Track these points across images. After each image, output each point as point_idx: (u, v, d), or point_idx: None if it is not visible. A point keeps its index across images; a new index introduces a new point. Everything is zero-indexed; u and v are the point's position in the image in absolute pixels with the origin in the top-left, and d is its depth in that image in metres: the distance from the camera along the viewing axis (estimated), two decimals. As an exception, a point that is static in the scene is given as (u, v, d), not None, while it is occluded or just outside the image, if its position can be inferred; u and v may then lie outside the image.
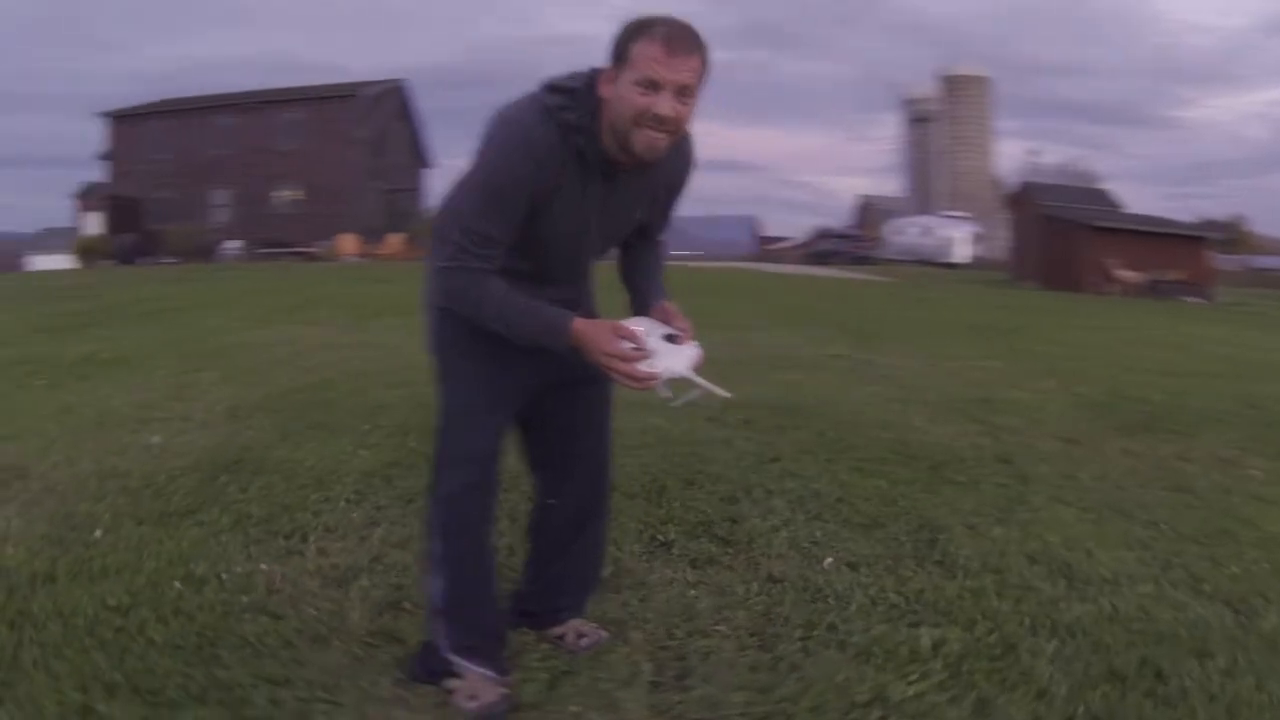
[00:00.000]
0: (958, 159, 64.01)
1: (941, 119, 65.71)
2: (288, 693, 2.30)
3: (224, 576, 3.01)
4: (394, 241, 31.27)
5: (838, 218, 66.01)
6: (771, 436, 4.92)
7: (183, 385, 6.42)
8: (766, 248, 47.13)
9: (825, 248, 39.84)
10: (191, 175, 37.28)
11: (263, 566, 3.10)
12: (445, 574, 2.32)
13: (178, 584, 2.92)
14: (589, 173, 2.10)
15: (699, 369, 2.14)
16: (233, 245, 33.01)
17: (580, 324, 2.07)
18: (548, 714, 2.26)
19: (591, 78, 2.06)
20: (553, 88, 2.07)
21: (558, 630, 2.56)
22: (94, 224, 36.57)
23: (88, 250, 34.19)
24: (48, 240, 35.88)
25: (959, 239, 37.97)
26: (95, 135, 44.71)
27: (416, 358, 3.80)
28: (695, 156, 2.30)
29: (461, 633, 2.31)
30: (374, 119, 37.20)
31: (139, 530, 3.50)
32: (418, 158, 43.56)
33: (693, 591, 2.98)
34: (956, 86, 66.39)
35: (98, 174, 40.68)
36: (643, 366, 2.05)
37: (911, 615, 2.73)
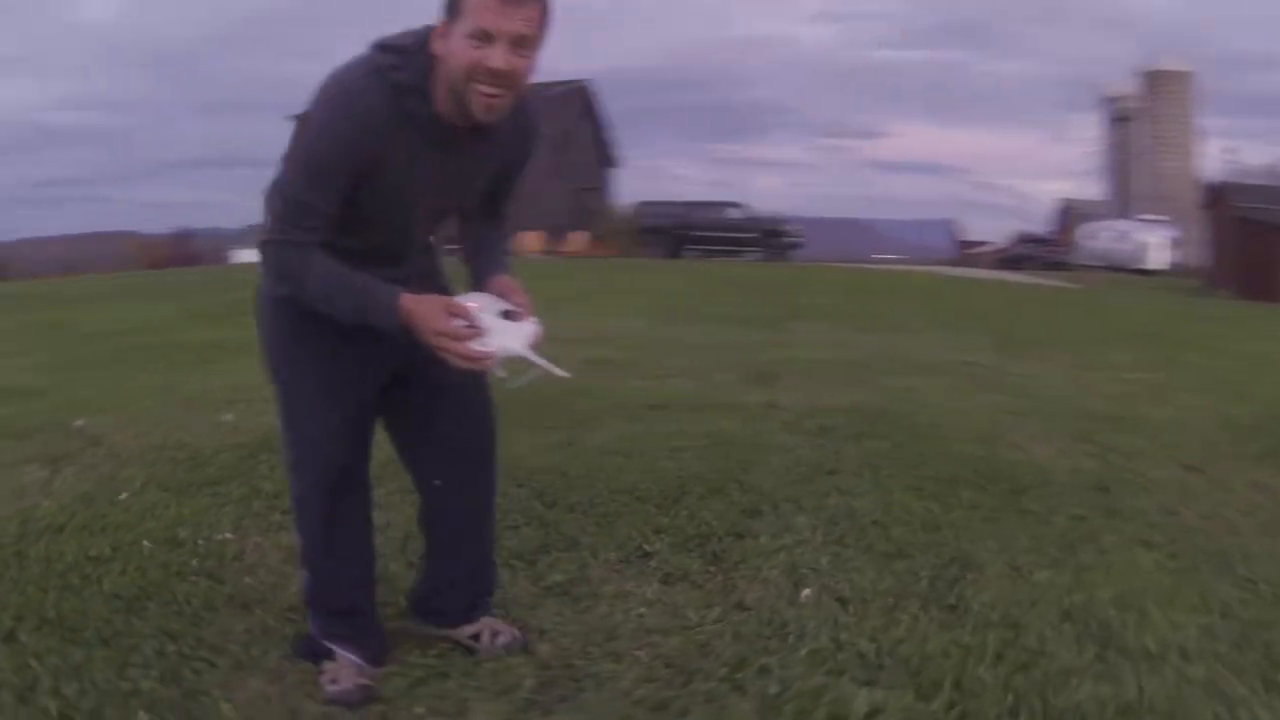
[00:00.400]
0: (1159, 160, 58.64)
1: (1142, 118, 60.42)
2: (175, 647, 2.33)
3: (200, 542, 3.06)
4: (578, 239, 31.39)
5: (1039, 222, 62.28)
6: (843, 446, 4.33)
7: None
8: (966, 252, 45.13)
9: (1018, 252, 37.63)
10: None
11: (227, 535, 3.13)
12: (307, 568, 2.26)
13: (147, 543, 3.02)
14: (423, 138, 1.89)
15: (538, 347, 1.94)
16: None
17: (409, 300, 1.87)
18: (395, 710, 2.11)
19: (425, 34, 1.85)
20: (384, 46, 1.86)
21: (471, 629, 2.35)
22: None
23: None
24: (251, 236, 38.01)
25: (1154, 244, 34.83)
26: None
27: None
28: (538, 123, 2.12)
29: (328, 622, 2.23)
30: (556, 119, 37.32)
31: (159, 496, 3.66)
32: (603, 157, 43.59)
33: (642, 610, 2.57)
34: (1158, 83, 60.82)
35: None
36: (476, 345, 1.87)
37: (867, 670, 2.16)
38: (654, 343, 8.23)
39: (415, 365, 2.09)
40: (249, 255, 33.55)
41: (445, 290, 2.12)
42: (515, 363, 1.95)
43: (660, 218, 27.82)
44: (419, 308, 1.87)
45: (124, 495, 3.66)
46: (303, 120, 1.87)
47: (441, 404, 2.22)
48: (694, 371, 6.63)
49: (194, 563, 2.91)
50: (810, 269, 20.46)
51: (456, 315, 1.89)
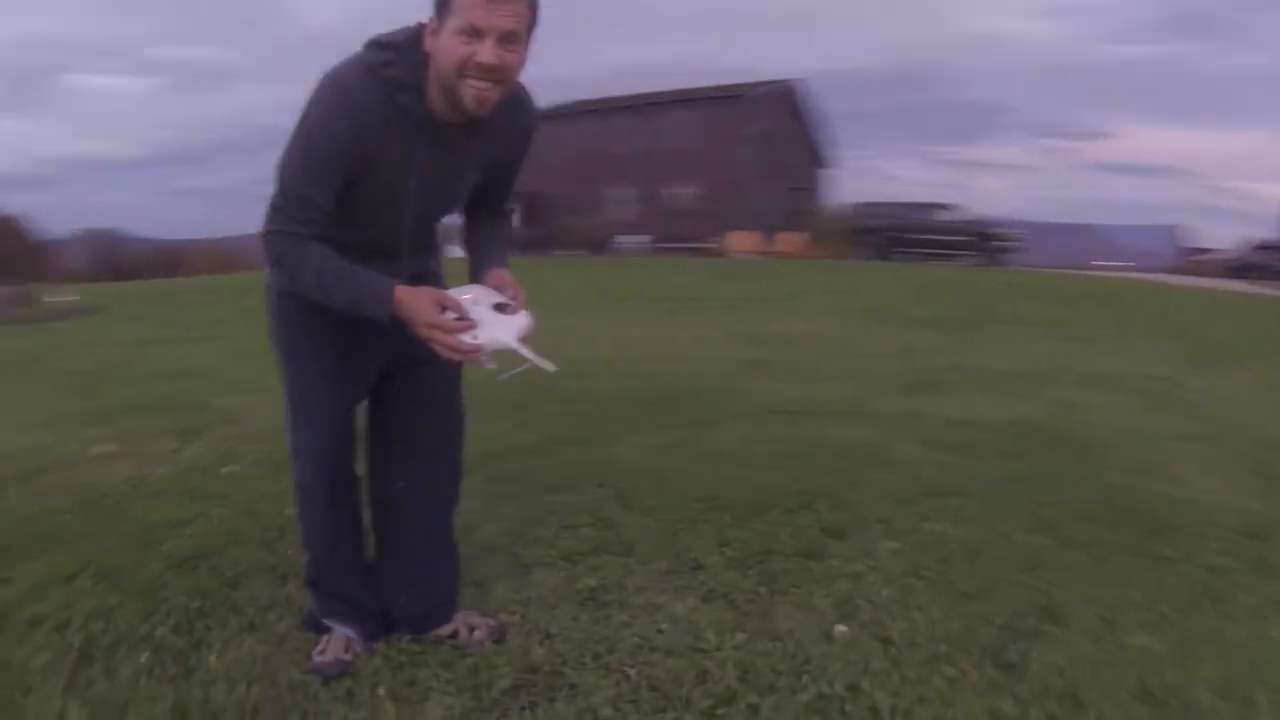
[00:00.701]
0: None
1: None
2: (199, 604, 2.49)
3: (269, 516, 3.18)
4: (790, 239, 30.69)
5: (1269, 227, 55.95)
6: (975, 464, 3.90)
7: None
8: (1193, 259, 41.16)
9: (1250, 260, 33.84)
10: (592, 172, 38.49)
11: (288, 512, 2.97)
12: (309, 551, 2.28)
13: (218, 511, 3.24)
14: (416, 133, 1.88)
15: (529, 340, 1.90)
16: (629, 240, 33.94)
17: (402, 292, 1.85)
18: (360, 687, 2.10)
19: (417, 32, 1.84)
20: (377, 44, 1.85)
21: (448, 629, 2.33)
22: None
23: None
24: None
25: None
26: None
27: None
28: (534, 118, 2.08)
29: (327, 600, 2.28)
30: (763, 119, 36.80)
31: (260, 471, 3.80)
32: (814, 157, 42.56)
33: (663, 626, 2.37)
34: None
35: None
36: (467, 338, 1.83)
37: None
38: (829, 345, 7.87)
39: (400, 365, 2.14)
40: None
41: (441, 287, 2.06)
42: (505, 355, 1.89)
43: (874, 218, 26.78)
44: (411, 300, 1.84)
45: (229, 468, 3.84)
46: (301, 115, 1.84)
47: (415, 405, 2.23)
48: (854, 376, 6.26)
49: (255, 534, 3.02)
50: (1020, 274, 19.07)
51: (448, 308, 1.86)
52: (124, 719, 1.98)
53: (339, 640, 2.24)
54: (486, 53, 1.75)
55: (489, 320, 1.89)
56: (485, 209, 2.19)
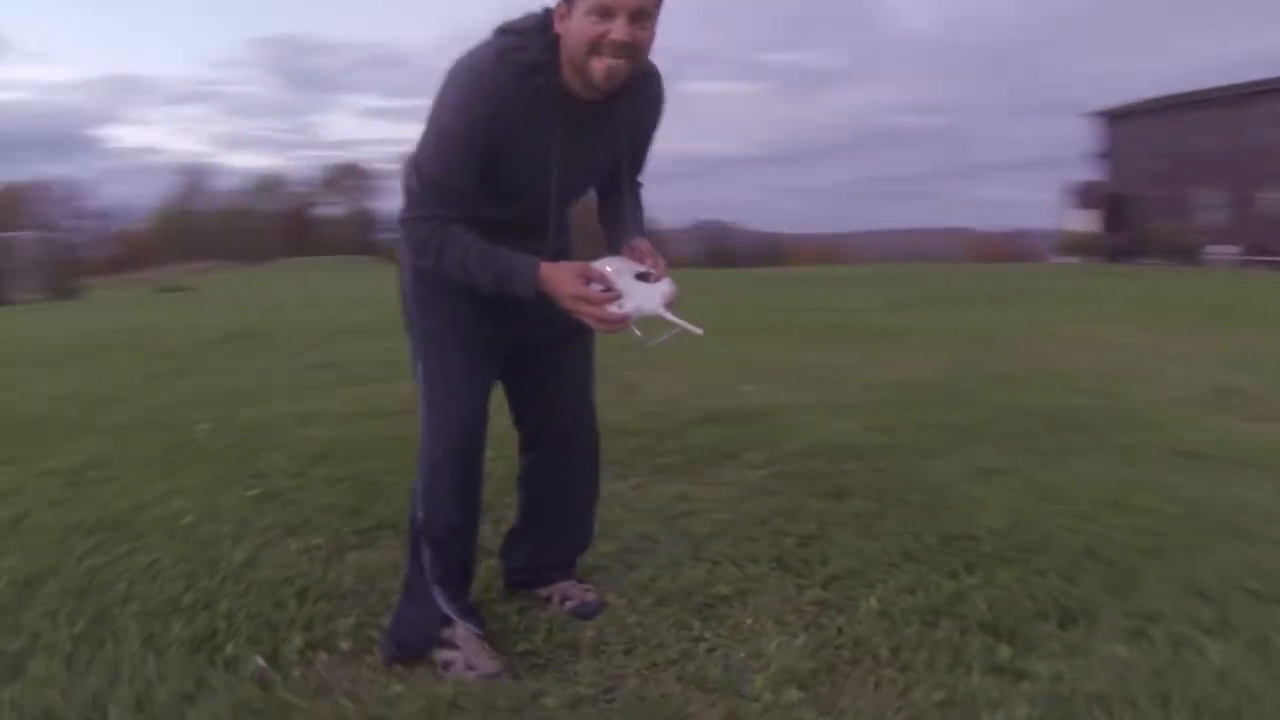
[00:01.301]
0: None
1: None
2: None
3: None
4: None
5: None
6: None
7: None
8: None
9: None
10: (1178, 173, 32.33)
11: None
12: (430, 543, 2.11)
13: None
14: (551, 113, 1.86)
15: (673, 306, 1.86)
16: (1221, 250, 28.40)
17: (546, 268, 1.84)
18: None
19: (544, 16, 1.85)
20: (505, 30, 1.85)
21: (544, 591, 2.35)
22: (1084, 221, 34.91)
23: (1077, 246, 33.37)
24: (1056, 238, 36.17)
25: None
26: (1080, 136, 43.32)
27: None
28: (663, 93, 2.04)
29: (452, 598, 2.12)
30: None
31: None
32: None
33: (683, 645, 2.12)
34: None
35: (1086, 173, 37.26)
36: (613, 308, 1.81)
37: None
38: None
39: (540, 341, 2.13)
40: (1068, 258, 32.44)
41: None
42: (652, 323, 1.86)
43: None
44: (555, 274, 1.82)
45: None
46: (436, 103, 1.84)
47: (557, 374, 2.23)
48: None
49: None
50: None
51: (592, 279, 1.83)
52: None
53: (473, 642, 2.06)
54: (619, 30, 1.74)
55: (633, 289, 1.85)
56: (618, 181, 2.10)
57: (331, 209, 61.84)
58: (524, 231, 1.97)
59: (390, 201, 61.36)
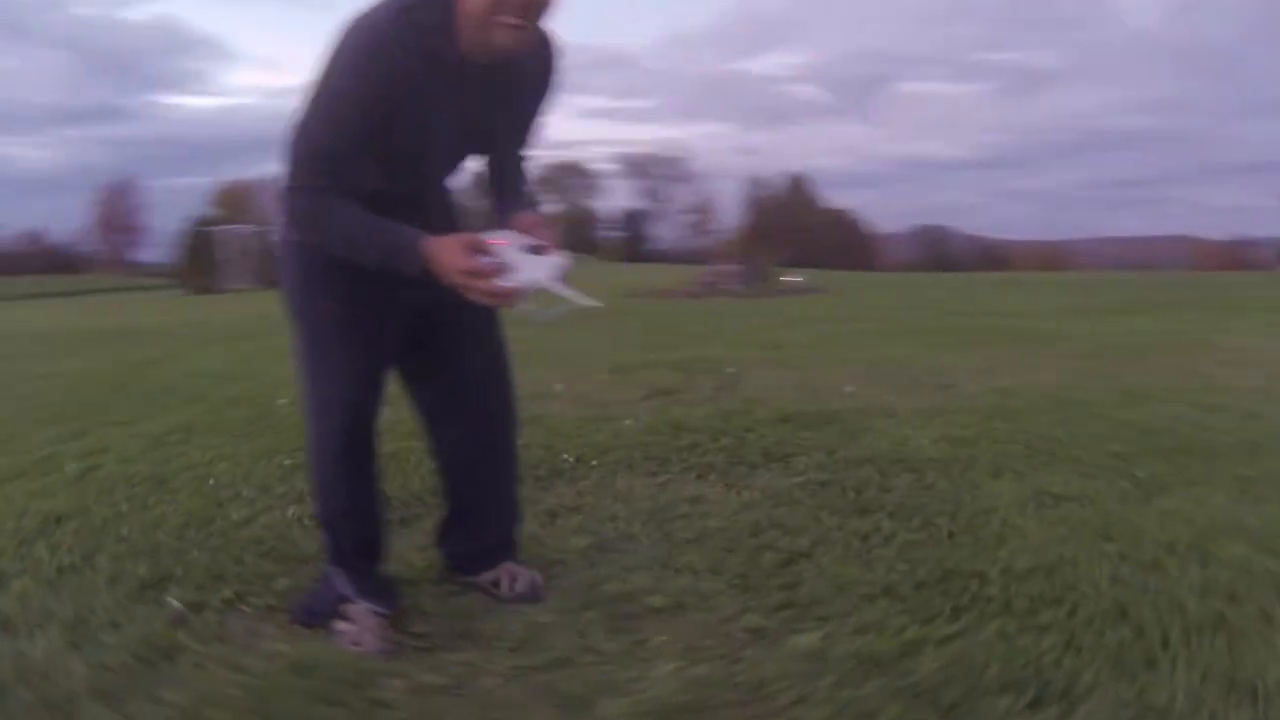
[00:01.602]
0: None
1: None
2: None
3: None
4: None
5: None
6: None
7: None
8: None
9: None
10: None
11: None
12: (324, 523, 2.10)
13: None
14: (446, 78, 1.74)
15: (566, 279, 1.75)
16: None
17: (432, 242, 1.71)
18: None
19: None
20: None
21: (490, 575, 2.21)
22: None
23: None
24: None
25: None
26: None
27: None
28: (558, 61, 1.91)
29: (357, 577, 2.06)
30: None
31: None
32: None
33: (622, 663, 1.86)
34: None
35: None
36: (501, 281, 1.69)
37: None
38: None
39: (434, 314, 2.00)
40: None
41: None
42: (543, 296, 1.75)
43: None
44: (442, 248, 1.70)
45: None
46: (327, 65, 1.70)
47: (459, 348, 2.09)
48: None
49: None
50: None
51: (480, 252, 1.71)
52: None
53: (366, 617, 2.00)
54: None
55: (523, 262, 1.74)
56: (508, 151, 2.01)
57: (551, 207, 63.81)
58: (410, 205, 1.84)
59: (610, 201, 62.72)
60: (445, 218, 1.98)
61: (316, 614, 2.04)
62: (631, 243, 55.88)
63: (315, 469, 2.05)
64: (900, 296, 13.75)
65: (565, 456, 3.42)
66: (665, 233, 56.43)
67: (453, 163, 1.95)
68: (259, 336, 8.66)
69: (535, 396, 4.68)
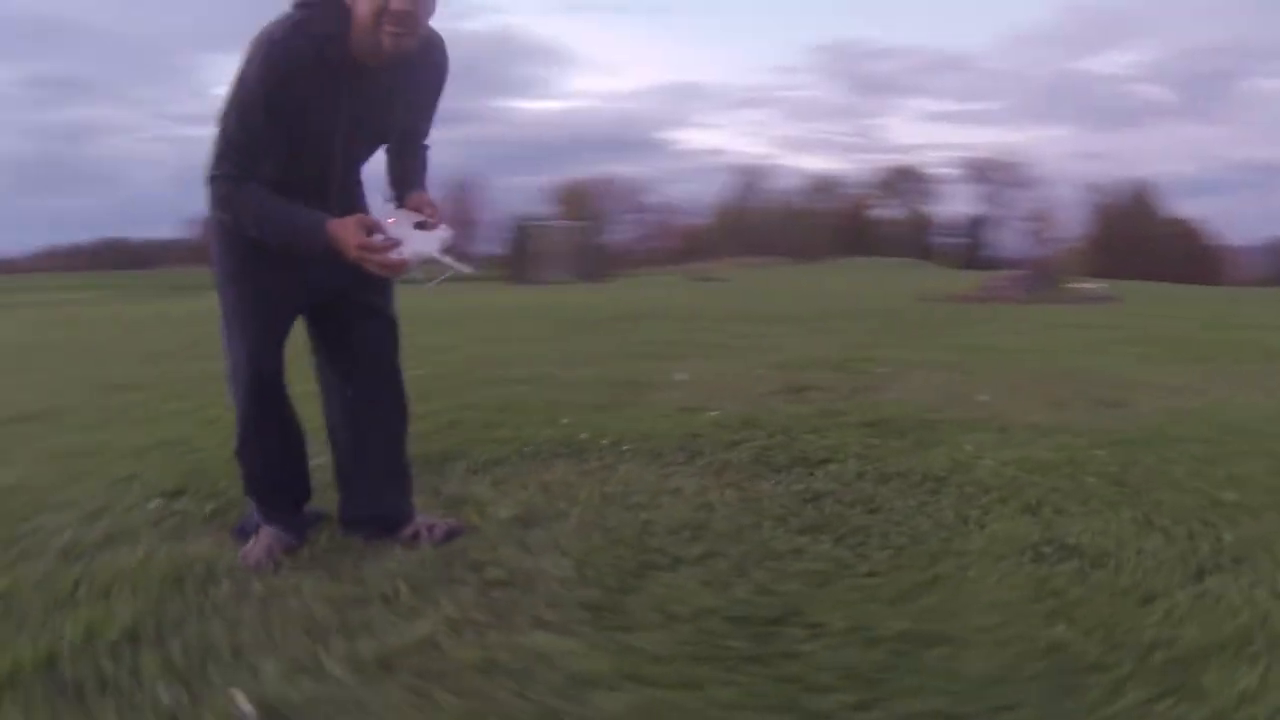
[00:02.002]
0: None
1: None
2: None
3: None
4: None
5: None
6: None
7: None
8: None
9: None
10: None
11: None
12: (242, 462, 2.32)
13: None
14: (339, 80, 1.98)
15: (450, 250, 2.02)
16: None
17: (333, 223, 1.94)
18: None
19: None
20: (301, 3, 1.96)
21: (409, 530, 2.30)
22: None
23: None
24: None
25: None
26: None
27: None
28: (446, 60, 2.16)
29: (263, 506, 2.30)
30: None
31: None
32: None
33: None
34: None
35: None
36: (393, 255, 1.93)
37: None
38: None
39: (337, 294, 2.17)
40: None
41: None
42: (429, 266, 1.98)
43: None
44: (341, 228, 1.92)
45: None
46: (239, 71, 1.93)
47: (359, 318, 2.25)
48: None
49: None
50: None
51: (374, 230, 1.94)
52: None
53: (269, 538, 2.22)
54: (398, 2, 1.84)
55: (412, 236, 1.98)
56: (407, 145, 2.23)
57: (889, 211, 61.49)
58: (313, 191, 2.04)
59: (949, 206, 59.15)
60: (347, 201, 2.15)
61: (245, 531, 2.32)
62: (971, 249, 52.39)
63: (238, 421, 2.27)
64: (1198, 310, 11.73)
65: (582, 436, 3.31)
66: (1005, 240, 52.33)
67: (352, 153, 2.14)
68: (500, 320, 9.08)
69: (646, 385, 4.51)
